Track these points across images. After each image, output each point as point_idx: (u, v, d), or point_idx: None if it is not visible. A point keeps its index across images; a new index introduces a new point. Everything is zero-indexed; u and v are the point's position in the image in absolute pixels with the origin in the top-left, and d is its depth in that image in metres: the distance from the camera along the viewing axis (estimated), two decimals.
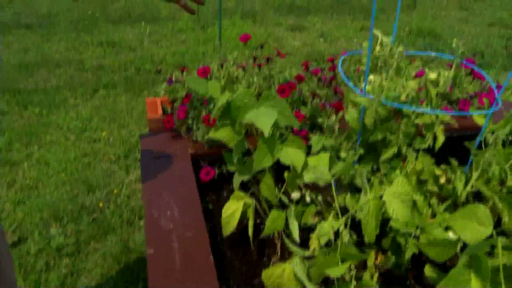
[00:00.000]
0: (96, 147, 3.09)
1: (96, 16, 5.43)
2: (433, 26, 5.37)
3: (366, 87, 1.24)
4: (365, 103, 1.13)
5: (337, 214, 1.09)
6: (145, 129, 3.28)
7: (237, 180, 1.38)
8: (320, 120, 1.64)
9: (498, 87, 1.55)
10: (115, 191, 2.70)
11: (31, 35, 4.77)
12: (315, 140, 1.20)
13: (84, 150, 3.06)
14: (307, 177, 1.08)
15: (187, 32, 5.13)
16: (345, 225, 1.00)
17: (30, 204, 2.56)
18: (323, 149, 1.19)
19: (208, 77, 1.81)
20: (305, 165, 1.14)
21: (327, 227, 0.96)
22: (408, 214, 0.98)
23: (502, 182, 1.29)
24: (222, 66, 1.88)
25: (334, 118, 1.27)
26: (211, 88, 1.29)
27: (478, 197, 1.33)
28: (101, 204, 2.60)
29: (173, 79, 1.88)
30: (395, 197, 0.98)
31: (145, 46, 4.72)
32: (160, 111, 1.85)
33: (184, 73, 1.88)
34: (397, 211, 0.98)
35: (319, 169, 1.06)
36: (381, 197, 1.00)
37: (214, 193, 1.64)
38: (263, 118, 1.18)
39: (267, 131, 1.17)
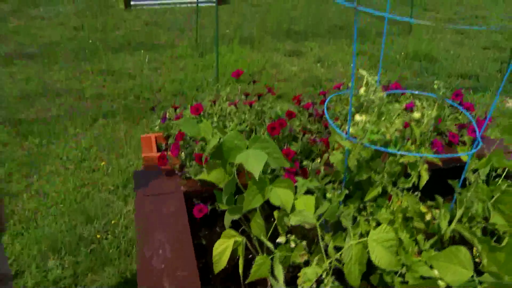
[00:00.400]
0: (95, 177, 3.13)
1: (96, 45, 5.52)
2: (428, 50, 5.43)
3: (351, 129, 1.27)
4: (348, 146, 1.17)
5: (323, 256, 1.12)
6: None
7: (228, 218, 1.41)
8: (307, 161, 1.67)
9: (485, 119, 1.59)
10: (113, 221, 2.73)
11: (33, 64, 4.85)
12: (300, 183, 1.23)
13: (83, 180, 3.10)
14: (294, 220, 1.11)
15: (186, 59, 5.20)
16: (330, 269, 1.02)
17: (28, 236, 2.58)
18: (309, 191, 1.22)
19: (202, 114, 1.85)
20: (293, 208, 1.17)
21: (310, 274, 0.99)
22: (392, 260, 1.01)
23: (486, 219, 1.31)
24: (214, 102, 1.93)
25: (319, 161, 1.30)
26: (203, 130, 1.33)
27: (460, 234, 1.36)
28: (99, 235, 2.63)
29: (167, 116, 1.92)
30: (379, 243, 1.01)
31: (145, 74, 4.79)
32: (154, 148, 1.88)
33: (178, 110, 1.93)
34: (380, 257, 1.00)
35: (304, 212, 1.09)
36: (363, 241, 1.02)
37: (207, 229, 1.67)
38: (253, 161, 1.22)
39: (257, 174, 1.21)
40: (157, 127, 1.99)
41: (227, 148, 1.31)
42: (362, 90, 1.44)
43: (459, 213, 1.22)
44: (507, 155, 1.39)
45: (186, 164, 1.73)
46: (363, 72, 1.50)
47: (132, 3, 7.40)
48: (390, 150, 1.16)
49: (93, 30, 6.07)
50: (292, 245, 1.10)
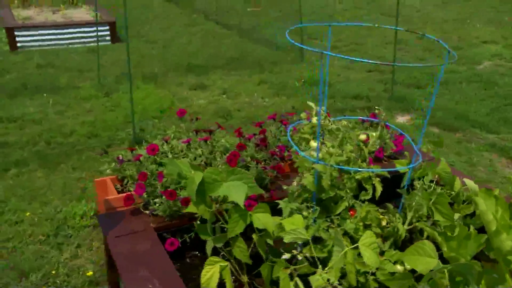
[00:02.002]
0: (20, 229, 3.00)
1: None
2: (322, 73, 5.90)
3: (313, 154, 1.47)
4: (321, 169, 1.36)
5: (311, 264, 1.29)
6: (72, 203, 3.24)
7: (210, 246, 1.52)
8: (266, 181, 1.85)
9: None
10: (52, 271, 2.64)
11: None
12: (284, 204, 1.40)
13: (7, 234, 2.95)
14: (287, 238, 1.26)
15: (92, 100, 5.13)
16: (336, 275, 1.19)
17: None
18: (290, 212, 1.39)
19: (156, 154, 1.94)
20: (281, 228, 1.32)
21: (320, 281, 1.14)
22: (377, 260, 1.20)
23: (428, 217, 1.57)
24: (166, 141, 2.03)
25: (293, 183, 1.48)
26: (183, 168, 1.44)
27: (411, 232, 1.61)
28: None
29: (122, 158, 1.98)
30: (367, 246, 1.20)
31: (51, 118, 4.64)
32: (113, 190, 1.93)
33: (134, 152, 1.99)
34: (369, 258, 1.19)
35: (297, 230, 1.25)
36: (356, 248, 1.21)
37: (178, 261, 1.75)
38: (236, 192, 1.36)
39: (241, 203, 1.35)
40: (109, 171, 2.04)
41: (206, 183, 1.43)
42: (314, 120, 1.65)
43: (410, 215, 1.46)
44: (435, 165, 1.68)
45: (150, 202, 1.81)
46: (311, 104, 1.72)
47: (18, 45, 7.09)
48: (354, 168, 1.37)
49: None
50: (300, 257, 1.24)
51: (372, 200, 1.56)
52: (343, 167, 1.39)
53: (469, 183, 1.43)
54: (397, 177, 1.65)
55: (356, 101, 5.25)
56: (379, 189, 1.48)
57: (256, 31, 8.38)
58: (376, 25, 1.58)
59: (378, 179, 1.50)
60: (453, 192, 1.62)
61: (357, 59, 1.43)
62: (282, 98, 5.29)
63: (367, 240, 1.20)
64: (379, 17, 9.70)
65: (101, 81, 5.64)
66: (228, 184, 1.39)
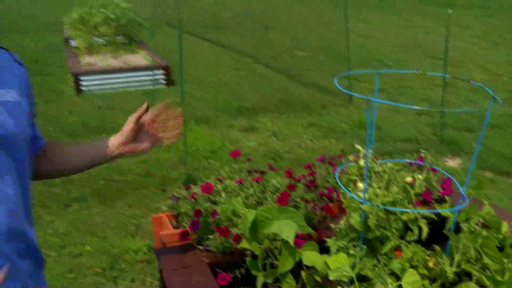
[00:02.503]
0: (79, 262, 3.17)
1: (50, 130, 5.60)
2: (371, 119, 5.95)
3: (361, 194, 1.54)
4: (368, 209, 1.42)
5: None
6: (127, 239, 3.40)
7: (260, 281, 1.60)
8: (313, 221, 1.91)
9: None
10: None
11: None
12: (331, 242, 1.47)
13: (68, 265, 3.13)
14: (333, 276, 1.33)
15: None
16: None
17: None
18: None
19: (210, 192, 2.06)
20: (327, 266, 1.39)
21: None
22: None
23: (477, 260, 1.59)
24: (220, 181, 2.14)
25: (341, 223, 1.55)
26: (237, 206, 1.54)
27: (458, 275, 1.62)
28: None
29: (178, 196, 2.11)
30: (410, 285, 1.24)
31: None
32: (169, 226, 2.05)
33: (189, 190, 2.12)
34: None
35: (343, 268, 1.31)
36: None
37: None
38: (286, 229, 1.45)
39: (291, 240, 1.43)
40: (165, 207, 2.17)
41: (259, 221, 1.53)
42: (361, 162, 1.73)
43: (457, 257, 1.49)
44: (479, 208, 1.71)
45: (204, 238, 1.91)
46: (358, 147, 1.80)
47: (82, 89, 7.57)
48: (399, 209, 1.43)
49: (47, 117, 6.15)
50: None
51: (418, 242, 1.60)
52: (389, 207, 1.45)
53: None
54: (444, 220, 1.68)
55: (405, 144, 5.25)
56: (425, 230, 1.53)
57: (305, 75, 8.56)
58: (421, 72, 1.67)
59: (424, 220, 1.54)
60: (500, 236, 1.63)
61: (403, 105, 1.51)
62: (331, 141, 5.37)
63: (410, 279, 1.24)
64: (426, 59, 9.70)
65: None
66: (279, 223, 1.48)
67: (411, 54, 10.44)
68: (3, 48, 1.32)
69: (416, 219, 1.55)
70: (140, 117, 1.32)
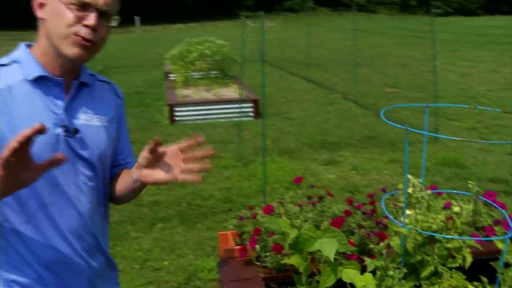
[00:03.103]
0: (158, 275, 3.43)
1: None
2: (457, 157, 5.80)
3: (405, 220, 1.61)
4: (406, 232, 1.50)
5: None
6: (203, 258, 3.63)
7: None
8: (369, 246, 1.99)
9: None
10: None
11: None
12: (369, 262, 1.55)
13: (148, 278, 3.40)
14: None
15: (231, 169, 5.67)
16: None
17: None
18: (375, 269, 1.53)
19: (272, 213, 2.21)
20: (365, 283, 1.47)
21: None
22: None
23: None
24: (282, 204, 2.30)
25: (382, 244, 1.63)
26: (283, 225, 1.68)
27: None
28: None
29: (242, 216, 2.29)
30: None
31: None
32: (232, 242, 2.23)
33: (252, 211, 2.29)
34: None
35: (367, 286, 1.40)
36: None
37: None
38: (328, 247, 1.56)
39: (332, 257, 1.54)
40: (231, 226, 2.35)
41: (303, 239, 1.65)
42: (409, 190, 1.80)
43: None
44: None
45: (261, 255, 2.06)
46: (410, 177, 1.87)
47: (176, 119, 8.12)
48: (439, 234, 1.48)
49: (142, 144, 6.67)
50: None
51: (462, 271, 1.62)
52: (428, 232, 1.51)
53: None
54: (493, 252, 1.69)
55: (492, 184, 5.04)
56: (469, 259, 1.55)
57: (393, 111, 8.50)
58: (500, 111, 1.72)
59: (468, 249, 1.57)
60: None
61: (471, 140, 1.58)
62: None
63: None
64: None
65: (241, 152, 6.21)
66: (321, 241, 1.59)
67: (511, 92, 9.97)
68: (108, 81, 1.52)
69: (460, 248, 1.59)
70: (152, 149, 1.27)
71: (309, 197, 2.32)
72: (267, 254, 2.03)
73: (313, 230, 1.62)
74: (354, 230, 2.10)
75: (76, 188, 1.34)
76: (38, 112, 1.28)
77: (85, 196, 1.37)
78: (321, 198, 2.28)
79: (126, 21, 35.45)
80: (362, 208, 2.32)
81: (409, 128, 1.55)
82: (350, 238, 2.08)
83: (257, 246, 2.08)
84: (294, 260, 1.71)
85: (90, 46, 1.27)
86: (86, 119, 1.37)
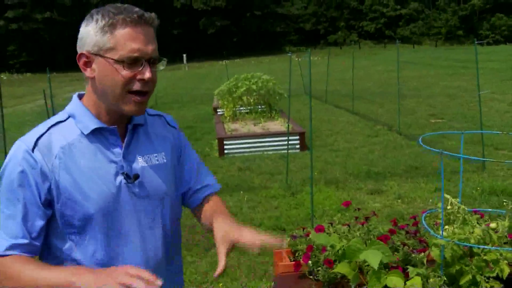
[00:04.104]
0: None
1: None
2: (505, 186, 5.80)
3: (445, 233, 1.79)
4: (444, 243, 1.68)
5: None
6: (255, 281, 3.84)
7: None
8: (412, 261, 2.17)
9: None
10: None
11: None
12: (411, 270, 1.74)
13: None
14: None
15: (279, 199, 5.90)
16: None
17: None
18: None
19: (323, 232, 2.42)
20: None
21: None
22: None
23: None
24: (331, 224, 2.51)
25: (422, 255, 1.81)
26: (332, 240, 1.90)
27: None
28: None
29: (296, 235, 2.51)
30: None
31: (244, 212, 5.49)
32: (287, 259, 2.45)
33: (305, 230, 2.51)
34: None
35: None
36: None
37: None
38: (373, 257, 1.76)
39: (376, 266, 1.75)
40: (286, 245, 2.57)
41: (351, 250, 1.86)
42: (449, 207, 1.98)
43: None
44: None
45: (314, 270, 2.27)
46: (448, 196, 2.06)
47: (225, 152, 8.46)
48: (475, 245, 1.66)
49: None
50: None
51: (502, 283, 1.78)
52: (464, 243, 1.68)
53: None
54: None
55: None
56: (506, 270, 1.71)
57: (439, 142, 8.53)
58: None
59: (505, 261, 1.73)
60: None
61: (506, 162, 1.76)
62: None
63: None
64: None
65: (289, 183, 6.43)
66: (367, 252, 1.80)
67: None
68: (159, 114, 1.55)
69: (497, 260, 1.75)
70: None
71: (356, 218, 2.52)
72: (319, 268, 2.24)
73: (360, 242, 1.84)
74: (399, 248, 2.28)
75: (141, 231, 1.40)
76: (98, 164, 1.33)
77: (153, 236, 1.43)
78: (367, 219, 2.47)
79: (175, 58, 36.96)
80: (406, 228, 2.50)
81: (444, 152, 1.76)
82: (395, 254, 2.26)
83: (309, 262, 2.29)
84: (342, 268, 1.92)
85: (147, 99, 1.34)
86: (145, 161, 1.41)
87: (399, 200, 5.67)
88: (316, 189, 5.95)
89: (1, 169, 1.31)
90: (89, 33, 1.28)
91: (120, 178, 1.35)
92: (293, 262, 2.34)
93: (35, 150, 1.28)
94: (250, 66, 30.19)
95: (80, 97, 1.40)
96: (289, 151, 6.90)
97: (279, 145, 8.43)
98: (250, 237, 1.48)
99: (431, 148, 1.81)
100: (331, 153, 8.20)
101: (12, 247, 1.26)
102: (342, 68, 17.29)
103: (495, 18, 54.92)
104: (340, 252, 1.90)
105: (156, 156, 1.44)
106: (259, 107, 10.40)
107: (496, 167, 6.67)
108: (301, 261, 2.33)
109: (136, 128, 1.42)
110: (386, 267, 2.09)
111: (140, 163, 1.39)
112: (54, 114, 1.64)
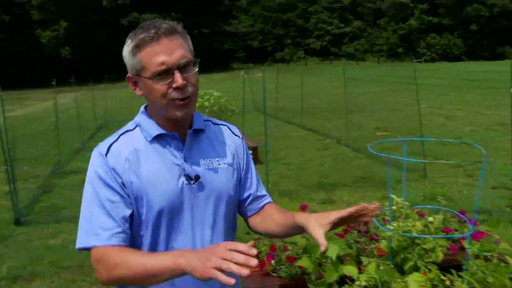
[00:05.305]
0: None
1: None
2: (444, 191, 6.28)
3: (390, 227, 2.07)
4: (390, 233, 1.96)
5: None
6: None
7: None
8: (364, 253, 2.44)
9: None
10: None
11: None
12: (365, 259, 2.00)
13: None
14: (363, 278, 1.86)
15: None
16: None
17: None
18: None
19: None
20: (359, 276, 1.92)
21: None
22: None
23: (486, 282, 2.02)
24: None
25: (373, 246, 2.08)
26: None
27: None
28: None
29: (259, 237, 2.73)
30: (416, 282, 1.74)
31: None
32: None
33: None
34: None
35: (370, 274, 1.84)
36: None
37: None
38: (331, 250, 2.02)
39: (334, 257, 2.00)
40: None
41: (311, 246, 2.11)
42: (394, 207, 2.27)
43: (467, 276, 1.94)
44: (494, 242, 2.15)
45: (277, 268, 2.50)
46: (393, 196, 2.35)
47: None
48: (415, 235, 1.94)
49: None
50: None
51: (440, 269, 2.07)
52: (407, 234, 1.97)
53: None
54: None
55: (476, 215, 5.49)
56: (440, 255, 2.00)
57: (384, 154, 9.01)
58: (440, 139, 2.21)
59: (440, 248, 2.02)
60: None
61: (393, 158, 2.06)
62: None
63: (417, 278, 1.72)
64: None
65: None
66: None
67: (496, 132, 10.53)
68: (224, 124, 1.65)
69: (434, 247, 2.04)
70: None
71: None
72: (282, 266, 2.47)
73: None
74: (352, 245, 2.55)
75: (193, 225, 1.47)
76: (162, 167, 1.44)
77: (204, 231, 1.49)
78: None
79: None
80: (358, 228, 2.78)
81: (391, 156, 2.04)
82: (351, 250, 2.53)
83: (272, 261, 2.52)
84: (304, 262, 2.16)
85: (189, 102, 1.41)
86: (206, 164, 1.49)
87: None
88: None
89: (86, 175, 1.44)
90: (126, 57, 1.42)
91: (182, 179, 1.44)
92: (258, 262, 2.56)
93: (108, 155, 1.43)
94: (201, 84, 30.32)
95: (146, 107, 1.53)
96: None
97: None
98: (338, 213, 1.42)
99: (380, 154, 2.09)
100: (284, 167, 8.51)
101: (111, 237, 1.37)
102: (291, 84, 17.83)
103: (430, 38, 58.01)
104: (301, 249, 2.14)
105: (217, 160, 1.51)
106: None
107: (436, 175, 7.17)
108: (265, 261, 2.56)
109: (197, 134, 1.52)
110: (342, 262, 2.35)
111: (201, 165, 1.47)
112: None
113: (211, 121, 1.60)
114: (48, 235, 5.60)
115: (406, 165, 7.46)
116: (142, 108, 1.54)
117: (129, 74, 1.45)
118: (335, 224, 1.41)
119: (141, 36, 1.36)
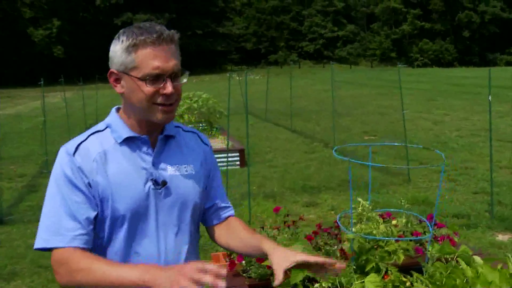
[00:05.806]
0: None
1: None
2: (426, 196, 6.36)
3: (353, 229, 2.13)
4: (352, 237, 2.01)
5: None
6: None
7: None
8: (331, 253, 2.49)
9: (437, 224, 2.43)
10: None
11: None
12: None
13: None
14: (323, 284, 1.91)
15: None
16: None
17: None
18: None
19: None
20: None
21: None
22: None
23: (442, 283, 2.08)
24: (262, 228, 2.80)
25: (336, 248, 2.14)
26: None
27: None
28: None
29: None
30: (372, 283, 1.79)
31: None
32: (223, 260, 2.71)
33: None
34: None
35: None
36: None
37: None
38: (294, 275, 2.06)
39: (298, 282, 2.04)
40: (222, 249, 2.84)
41: None
42: (359, 210, 2.33)
43: (425, 278, 2.00)
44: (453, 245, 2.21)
45: (247, 268, 2.55)
46: (360, 199, 2.41)
47: None
48: (376, 237, 2.00)
49: None
50: None
51: (401, 271, 2.13)
52: (368, 236, 2.03)
53: (477, 259, 1.97)
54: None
55: (455, 219, 5.57)
56: (401, 257, 2.06)
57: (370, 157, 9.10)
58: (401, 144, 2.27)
59: (402, 251, 2.08)
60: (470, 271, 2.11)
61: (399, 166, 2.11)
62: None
63: (372, 280, 1.78)
64: (495, 143, 9.87)
65: (229, 197, 6.68)
66: (291, 247, 2.10)
67: (480, 138, 10.64)
68: (193, 131, 1.64)
69: (396, 250, 2.10)
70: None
71: (285, 222, 2.83)
72: (251, 267, 2.52)
73: (286, 240, 2.14)
74: (321, 246, 2.61)
75: (158, 229, 1.46)
76: (129, 170, 1.43)
77: (168, 235, 1.48)
78: (294, 222, 2.79)
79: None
80: (330, 231, 2.84)
81: (352, 160, 2.10)
82: (318, 253, 2.58)
83: (243, 261, 2.57)
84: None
85: (172, 108, 1.43)
86: (174, 170, 1.49)
87: (332, 212, 6.06)
88: (255, 203, 6.25)
89: (51, 173, 1.46)
90: (117, 53, 1.41)
91: (149, 184, 1.43)
92: (228, 262, 2.61)
93: (75, 154, 1.42)
94: (192, 85, 30.35)
95: (118, 109, 1.53)
96: (228, 167, 7.18)
97: (220, 162, 8.68)
98: (306, 257, 1.44)
99: (342, 157, 2.14)
100: (270, 169, 8.56)
101: (74, 238, 1.36)
102: (281, 87, 17.90)
103: (422, 43, 58.43)
104: None
105: (185, 167, 1.51)
106: (200, 125, 10.63)
107: (419, 179, 7.26)
108: (235, 261, 2.61)
109: (168, 139, 1.52)
110: None
111: (169, 171, 1.47)
112: None
113: (181, 128, 1.61)
114: (31, 234, 5.60)
115: (390, 169, 7.54)
116: (113, 110, 1.53)
117: (113, 70, 1.43)
118: (299, 265, 1.42)
119: (142, 37, 1.37)
